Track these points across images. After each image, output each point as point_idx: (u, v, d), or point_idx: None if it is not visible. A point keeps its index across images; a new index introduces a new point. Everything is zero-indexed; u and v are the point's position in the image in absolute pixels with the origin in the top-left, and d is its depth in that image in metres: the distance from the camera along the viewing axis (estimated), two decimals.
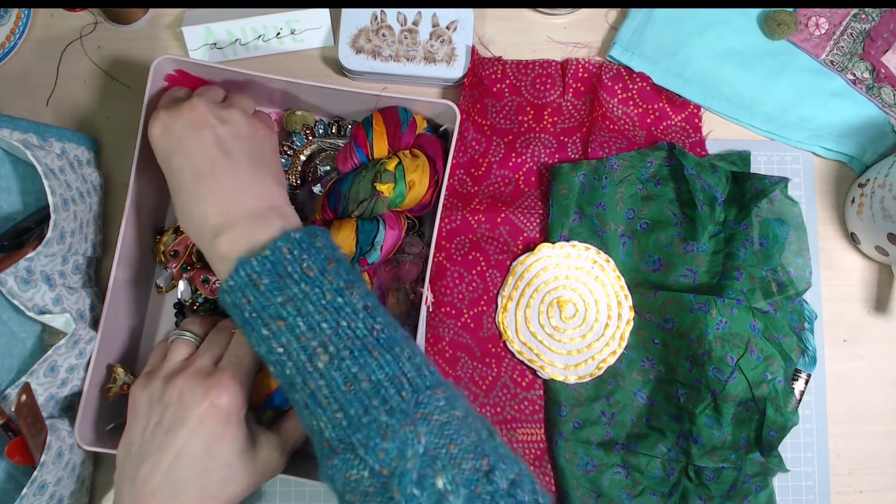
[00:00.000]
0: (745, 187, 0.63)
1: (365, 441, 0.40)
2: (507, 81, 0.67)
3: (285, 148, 0.64)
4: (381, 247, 0.56)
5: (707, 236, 0.63)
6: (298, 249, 0.44)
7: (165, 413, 0.49)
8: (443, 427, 0.41)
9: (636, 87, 0.68)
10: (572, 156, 0.67)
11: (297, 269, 0.44)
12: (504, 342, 0.64)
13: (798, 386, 0.64)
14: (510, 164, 0.66)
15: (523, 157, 0.66)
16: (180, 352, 0.53)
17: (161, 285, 0.61)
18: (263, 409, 0.56)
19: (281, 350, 0.43)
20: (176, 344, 0.54)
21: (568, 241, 0.64)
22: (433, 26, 0.65)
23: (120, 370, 0.58)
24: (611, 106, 0.67)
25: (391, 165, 0.57)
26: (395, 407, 0.41)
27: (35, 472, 0.51)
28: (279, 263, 0.44)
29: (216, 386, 0.49)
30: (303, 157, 0.64)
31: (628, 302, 0.63)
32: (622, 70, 0.68)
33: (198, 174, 0.49)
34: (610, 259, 0.64)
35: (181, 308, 0.63)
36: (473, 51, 0.65)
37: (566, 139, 0.67)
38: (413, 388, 0.42)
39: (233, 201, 0.48)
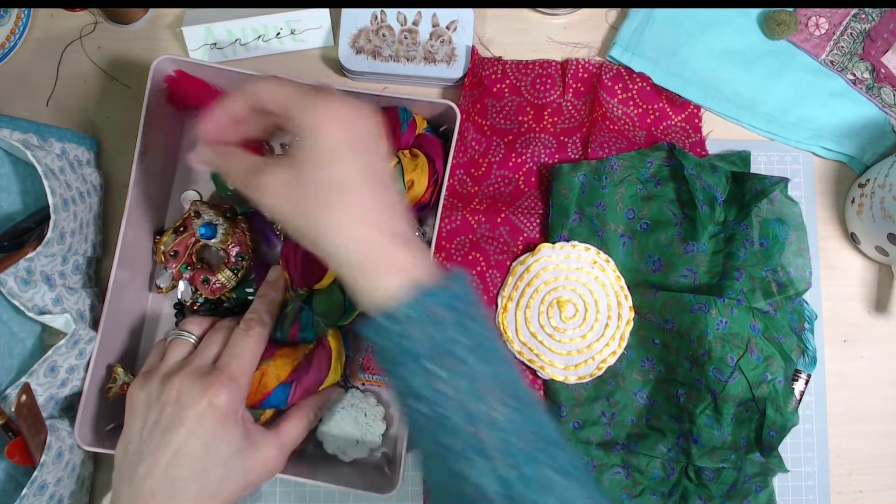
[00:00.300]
0: (745, 187, 0.63)
1: (532, 497, 0.39)
2: (507, 81, 0.67)
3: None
4: None
5: (707, 236, 0.63)
6: (470, 290, 0.43)
7: (163, 412, 0.49)
8: (588, 487, 0.41)
9: (636, 87, 0.68)
10: (572, 156, 0.67)
11: (469, 310, 0.42)
12: (504, 342, 0.64)
13: (798, 386, 0.64)
14: (510, 164, 0.66)
15: (523, 157, 0.66)
16: (178, 351, 0.53)
17: (161, 285, 0.61)
18: (261, 409, 0.56)
19: (444, 389, 0.40)
20: (174, 344, 0.54)
21: (568, 241, 0.64)
22: (433, 26, 0.65)
23: (120, 370, 0.58)
24: (611, 106, 0.67)
25: (390, 165, 0.57)
26: (561, 466, 0.40)
27: (35, 473, 0.51)
28: (458, 298, 0.42)
29: (214, 384, 0.49)
30: None
31: (628, 302, 0.63)
32: (622, 70, 0.68)
33: (377, 180, 0.44)
34: (610, 259, 0.64)
35: (181, 308, 0.63)
36: (473, 51, 0.65)
37: (566, 139, 0.67)
38: (567, 448, 0.42)
39: (406, 219, 0.45)
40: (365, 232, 0.43)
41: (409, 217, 0.45)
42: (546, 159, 0.66)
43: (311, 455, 0.62)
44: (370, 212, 0.43)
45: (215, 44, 0.66)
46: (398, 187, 0.46)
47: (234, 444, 0.49)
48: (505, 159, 0.66)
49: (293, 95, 0.44)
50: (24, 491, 0.50)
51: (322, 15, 0.66)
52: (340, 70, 0.67)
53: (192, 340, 0.54)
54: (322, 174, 0.43)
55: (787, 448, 0.64)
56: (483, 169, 0.66)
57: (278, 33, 0.66)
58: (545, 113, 0.67)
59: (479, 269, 0.64)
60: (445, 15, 0.66)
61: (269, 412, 0.57)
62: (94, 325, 0.59)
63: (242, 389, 0.51)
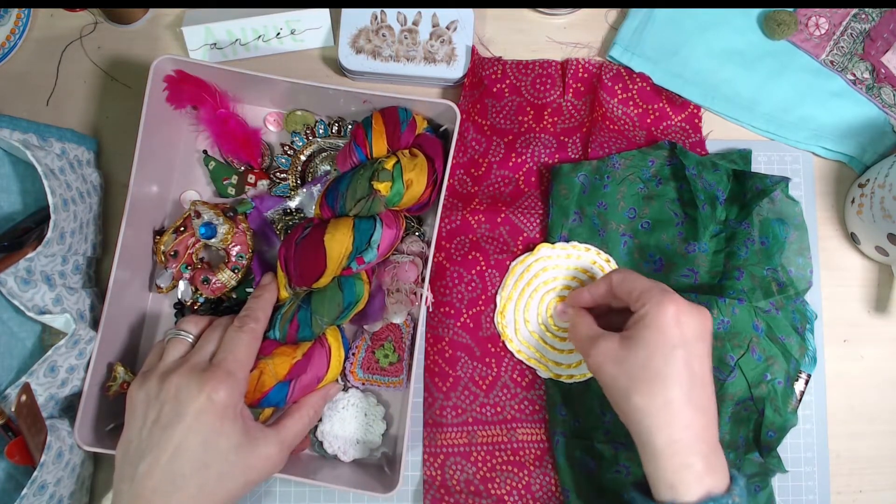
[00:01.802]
0: (747, 186, 0.63)
1: None
2: (507, 81, 0.67)
3: (285, 148, 0.64)
4: (378, 246, 0.56)
5: (708, 236, 0.63)
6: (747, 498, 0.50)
7: (162, 410, 0.49)
8: None
9: (636, 87, 0.68)
10: (572, 156, 0.67)
11: None
12: (503, 342, 0.64)
13: (798, 386, 0.64)
14: (510, 164, 0.66)
15: (523, 157, 0.66)
16: (176, 350, 0.53)
17: (161, 285, 0.61)
18: (260, 408, 0.56)
19: None
20: (172, 343, 0.54)
21: (568, 241, 0.64)
22: (433, 26, 0.65)
23: (120, 368, 0.58)
24: (611, 106, 0.67)
25: (389, 164, 0.57)
26: None
27: (35, 473, 0.51)
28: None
29: (211, 380, 0.49)
30: (303, 157, 0.64)
31: None
32: (622, 70, 0.68)
33: (696, 382, 0.49)
34: (611, 259, 0.64)
35: (181, 308, 0.63)
36: (473, 51, 0.65)
37: (566, 139, 0.67)
38: None
39: (713, 420, 0.51)
40: (674, 426, 0.48)
41: (715, 416, 0.50)
42: (546, 159, 0.66)
43: (311, 455, 0.62)
44: (683, 408, 0.48)
45: (215, 44, 0.66)
46: (712, 388, 0.51)
47: (233, 439, 0.49)
48: (505, 159, 0.66)
49: (647, 287, 0.52)
50: (24, 491, 0.50)
51: (322, 15, 0.66)
52: (340, 70, 0.67)
53: (190, 339, 0.54)
54: (650, 361, 0.49)
55: (787, 448, 0.64)
56: (483, 169, 0.66)
57: (278, 33, 0.66)
58: (545, 113, 0.67)
59: (478, 268, 0.64)
60: (445, 15, 0.66)
61: (268, 411, 0.57)
62: (94, 325, 0.59)
63: (240, 384, 0.51)
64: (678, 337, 0.49)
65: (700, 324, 0.51)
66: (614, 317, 0.57)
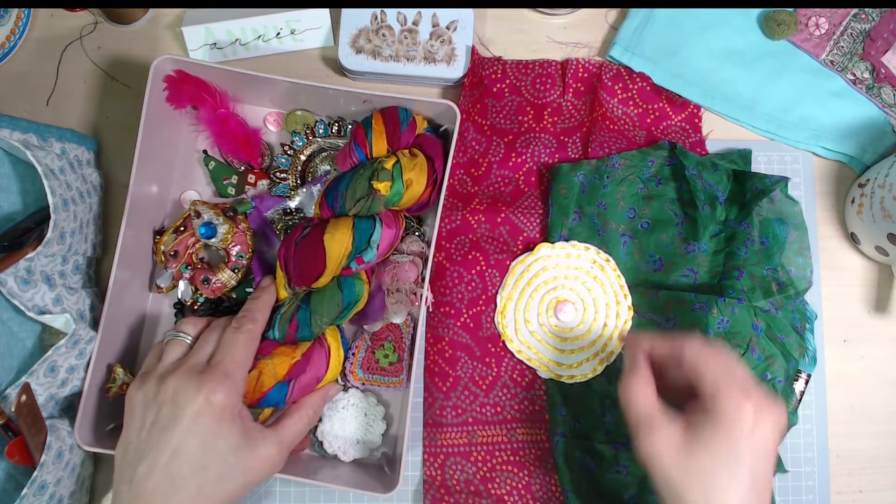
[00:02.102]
0: (747, 186, 0.63)
1: None
2: (507, 81, 0.67)
3: (286, 148, 0.64)
4: (378, 245, 0.56)
5: (708, 236, 0.63)
6: None
7: (161, 412, 0.49)
8: None
9: (636, 87, 0.68)
10: (572, 156, 0.67)
11: None
12: (504, 342, 0.64)
13: (798, 386, 0.64)
14: (510, 164, 0.66)
15: (523, 157, 0.66)
16: (174, 352, 0.53)
17: (161, 285, 0.61)
18: (259, 408, 0.56)
19: None
20: (170, 344, 0.54)
21: (567, 241, 0.64)
22: (433, 26, 0.65)
23: (119, 370, 0.58)
24: (611, 106, 0.67)
25: (388, 164, 0.57)
26: None
27: (35, 473, 0.51)
28: None
29: (209, 381, 0.49)
30: (303, 157, 0.64)
31: (627, 301, 0.63)
32: (622, 70, 0.68)
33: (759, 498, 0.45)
34: (610, 258, 0.64)
35: (181, 308, 0.63)
36: (473, 51, 0.66)
37: (566, 139, 0.67)
38: None
39: None
40: None
41: None
42: (546, 159, 0.66)
43: (311, 455, 0.62)
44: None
45: (215, 44, 0.66)
46: (770, 490, 0.47)
47: (231, 441, 0.49)
48: (505, 159, 0.66)
49: (722, 372, 0.46)
50: (24, 491, 0.50)
51: (322, 15, 0.66)
52: (340, 70, 0.67)
53: (188, 341, 0.54)
54: (714, 469, 0.45)
55: (787, 448, 0.64)
56: (483, 169, 0.66)
57: (278, 33, 0.66)
58: (545, 113, 0.67)
59: (478, 268, 0.64)
60: (445, 15, 0.66)
61: (267, 411, 0.57)
62: (94, 325, 0.59)
63: (238, 385, 0.51)
64: (750, 448, 0.45)
65: (775, 429, 0.46)
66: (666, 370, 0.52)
